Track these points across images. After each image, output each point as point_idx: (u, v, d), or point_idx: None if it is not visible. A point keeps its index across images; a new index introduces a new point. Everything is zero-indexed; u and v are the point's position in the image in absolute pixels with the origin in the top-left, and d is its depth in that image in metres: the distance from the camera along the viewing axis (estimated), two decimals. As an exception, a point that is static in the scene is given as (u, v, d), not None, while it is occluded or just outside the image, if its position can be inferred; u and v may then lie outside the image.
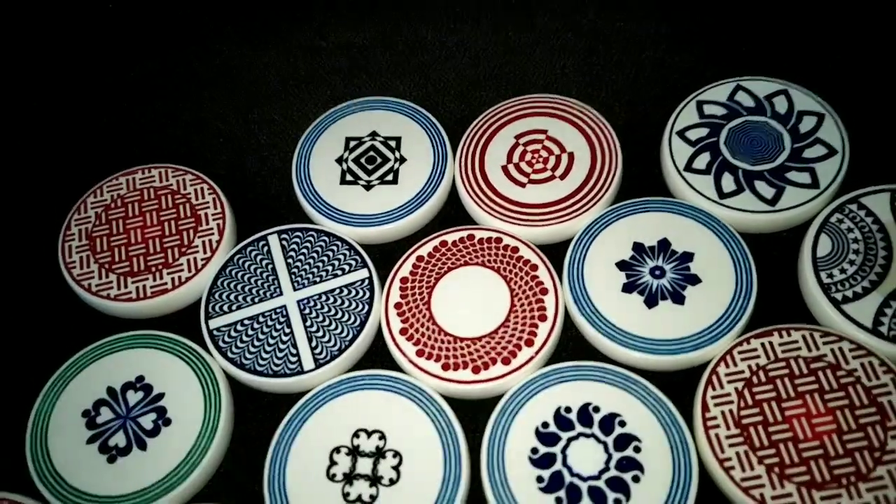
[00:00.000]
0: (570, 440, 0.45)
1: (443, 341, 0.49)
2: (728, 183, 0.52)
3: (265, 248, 0.53)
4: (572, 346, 0.50)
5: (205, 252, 0.53)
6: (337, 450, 0.45)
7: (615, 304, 0.49)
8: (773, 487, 0.42)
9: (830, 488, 0.42)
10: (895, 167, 0.53)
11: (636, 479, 0.43)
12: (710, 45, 0.61)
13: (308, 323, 0.50)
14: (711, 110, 0.55)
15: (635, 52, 0.62)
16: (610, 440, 0.44)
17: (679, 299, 0.48)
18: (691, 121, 0.55)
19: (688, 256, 0.50)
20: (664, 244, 0.51)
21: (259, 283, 0.52)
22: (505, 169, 0.55)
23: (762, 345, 0.46)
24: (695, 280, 0.49)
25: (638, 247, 0.51)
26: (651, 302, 0.48)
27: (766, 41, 0.61)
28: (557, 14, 0.64)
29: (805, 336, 0.46)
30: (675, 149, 0.54)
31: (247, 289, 0.51)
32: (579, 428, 0.45)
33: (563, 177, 0.54)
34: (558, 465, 0.44)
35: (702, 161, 0.53)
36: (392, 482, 0.44)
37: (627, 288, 0.49)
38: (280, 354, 0.49)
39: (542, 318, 0.49)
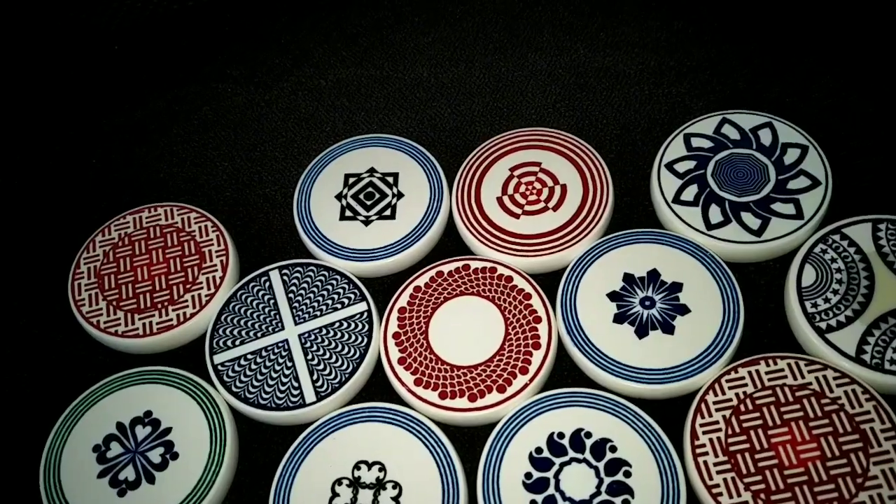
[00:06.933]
0: (562, 465, 0.46)
1: (440, 370, 0.50)
2: (715, 214, 0.54)
3: (267, 284, 0.55)
4: (566, 373, 0.51)
5: (209, 288, 0.55)
6: (339, 481, 0.47)
7: (607, 335, 0.50)
8: (759, 514, 0.43)
9: (814, 514, 0.43)
10: (877, 198, 0.55)
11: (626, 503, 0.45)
12: (696, 80, 0.62)
13: (309, 356, 0.51)
14: (698, 143, 0.57)
15: (624, 87, 0.63)
16: (601, 465, 0.46)
17: (669, 329, 0.50)
18: (679, 153, 0.57)
19: (677, 287, 0.51)
20: (654, 275, 0.52)
21: (261, 317, 0.53)
22: (500, 200, 0.57)
23: (749, 373, 0.47)
24: (684, 310, 0.50)
25: (628, 277, 0.52)
26: (641, 332, 0.50)
27: (750, 74, 0.62)
28: (548, 51, 0.66)
29: (791, 364, 0.47)
30: (663, 181, 0.56)
31: (249, 324, 0.53)
32: (572, 453, 0.46)
33: (555, 208, 0.56)
34: (551, 490, 0.45)
35: (689, 193, 0.55)
36: (391, 512, 0.46)
37: (618, 318, 0.51)
38: (282, 388, 0.50)
39: (536, 345, 0.50)
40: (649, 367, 0.48)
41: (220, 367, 0.51)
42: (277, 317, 0.53)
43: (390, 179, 0.59)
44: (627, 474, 0.45)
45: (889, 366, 0.47)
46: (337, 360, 0.51)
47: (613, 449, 0.46)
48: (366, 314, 0.53)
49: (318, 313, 0.53)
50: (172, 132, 0.66)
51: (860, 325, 0.48)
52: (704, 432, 0.46)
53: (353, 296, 0.53)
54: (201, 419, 0.50)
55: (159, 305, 0.54)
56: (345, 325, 0.52)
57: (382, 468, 0.47)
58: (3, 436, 0.53)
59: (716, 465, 0.45)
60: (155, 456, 0.49)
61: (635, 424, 0.47)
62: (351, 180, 0.59)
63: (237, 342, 0.52)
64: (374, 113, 0.65)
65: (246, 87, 0.67)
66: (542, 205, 0.56)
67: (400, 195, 0.58)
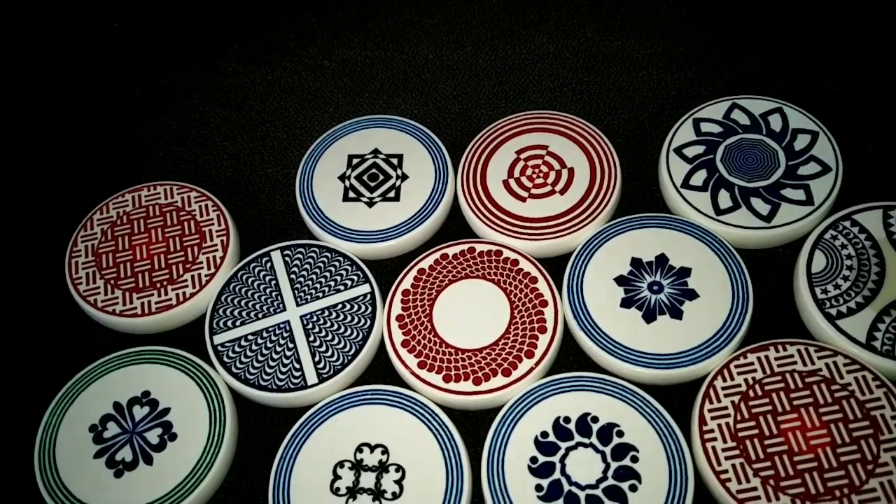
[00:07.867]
0: (568, 449, 0.45)
1: (444, 353, 0.49)
2: (724, 199, 0.53)
3: (268, 265, 0.54)
4: (572, 357, 0.51)
5: (209, 268, 0.54)
6: (340, 464, 0.46)
7: (614, 319, 0.49)
8: (768, 499, 0.43)
9: (824, 500, 0.42)
10: (887, 184, 0.54)
11: (633, 489, 0.44)
12: (705, 65, 0.62)
13: (311, 338, 0.50)
14: (708, 128, 0.56)
15: (632, 72, 0.62)
16: (608, 450, 0.45)
17: (677, 314, 0.49)
18: (688, 138, 0.56)
19: (685, 272, 0.51)
20: (662, 259, 0.51)
21: (262, 298, 0.52)
22: (506, 183, 0.56)
23: (758, 359, 0.47)
24: (692, 295, 0.50)
25: (636, 262, 0.51)
26: (649, 317, 0.49)
27: (760, 60, 0.62)
28: (556, 35, 0.65)
29: (800, 350, 0.47)
30: (672, 166, 0.55)
31: (250, 304, 0.52)
32: (578, 437, 0.46)
33: (563, 192, 0.55)
34: (557, 474, 0.45)
35: (699, 178, 0.54)
36: (395, 496, 0.45)
37: (626, 303, 0.50)
38: (284, 369, 0.49)
39: (542, 329, 0.50)
40: (657, 351, 0.48)
41: (220, 348, 0.51)
42: (279, 298, 0.52)
43: (395, 161, 0.58)
44: (634, 459, 0.45)
45: (900, 353, 0.46)
46: (339, 342, 0.50)
47: (620, 434, 0.45)
48: (368, 296, 0.52)
49: (321, 295, 0.52)
50: (173, 111, 0.65)
51: (871, 312, 0.47)
52: (713, 417, 0.45)
53: (356, 277, 0.53)
54: (200, 400, 0.49)
55: (158, 285, 0.53)
56: (347, 306, 0.52)
57: (385, 451, 0.46)
58: (-3, 415, 0.52)
59: (724, 450, 0.44)
60: (153, 437, 0.48)
61: (642, 409, 0.46)
62: (355, 161, 0.58)
63: (238, 323, 0.51)
64: (379, 94, 0.64)
65: (248, 67, 0.67)
66: (549, 188, 0.55)
67: (404, 177, 0.57)
